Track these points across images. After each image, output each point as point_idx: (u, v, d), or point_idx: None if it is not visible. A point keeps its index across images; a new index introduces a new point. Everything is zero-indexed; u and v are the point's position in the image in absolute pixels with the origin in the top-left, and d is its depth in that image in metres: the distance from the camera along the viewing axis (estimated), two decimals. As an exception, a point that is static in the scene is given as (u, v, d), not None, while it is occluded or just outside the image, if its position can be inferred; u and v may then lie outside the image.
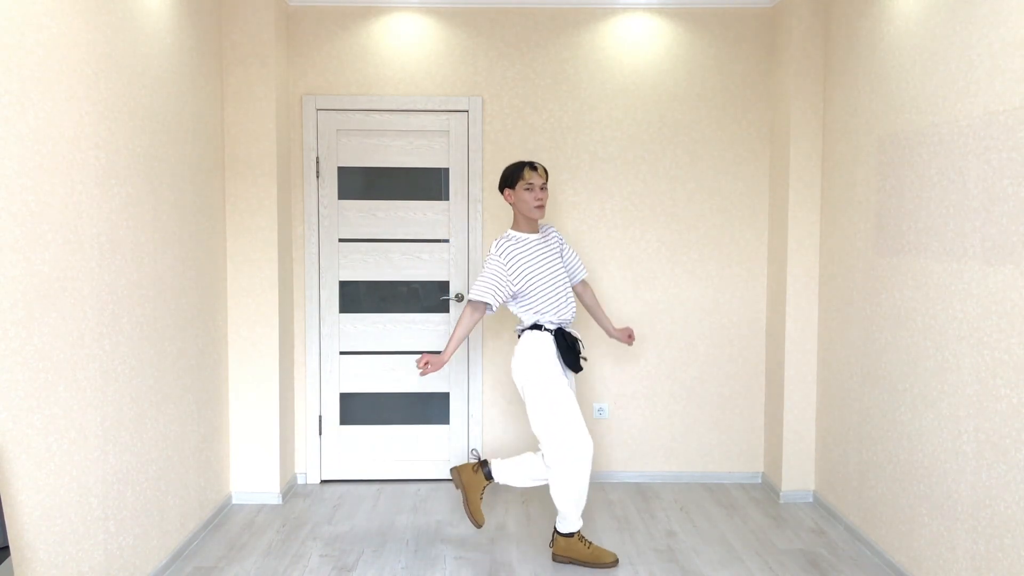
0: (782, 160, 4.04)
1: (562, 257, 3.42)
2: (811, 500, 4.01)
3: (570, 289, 3.35)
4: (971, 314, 2.66)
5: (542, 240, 3.34)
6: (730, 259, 4.28)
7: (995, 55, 2.53)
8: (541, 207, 3.27)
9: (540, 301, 3.25)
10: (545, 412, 3.21)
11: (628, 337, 3.59)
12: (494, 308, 3.25)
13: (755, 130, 4.24)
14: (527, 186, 3.26)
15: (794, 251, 3.95)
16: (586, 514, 3.83)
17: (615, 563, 3.27)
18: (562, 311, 3.27)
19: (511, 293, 3.25)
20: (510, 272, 3.23)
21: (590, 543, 3.30)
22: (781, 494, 4.02)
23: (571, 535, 3.29)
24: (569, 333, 3.32)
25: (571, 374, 3.35)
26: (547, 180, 3.35)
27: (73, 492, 2.49)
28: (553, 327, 3.27)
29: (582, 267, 3.51)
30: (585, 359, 3.45)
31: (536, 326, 3.28)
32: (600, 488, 4.22)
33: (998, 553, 2.53)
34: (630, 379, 4.30)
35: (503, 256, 3.24)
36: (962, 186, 2.70)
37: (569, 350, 3.26)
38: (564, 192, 4.24)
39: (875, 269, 3.34)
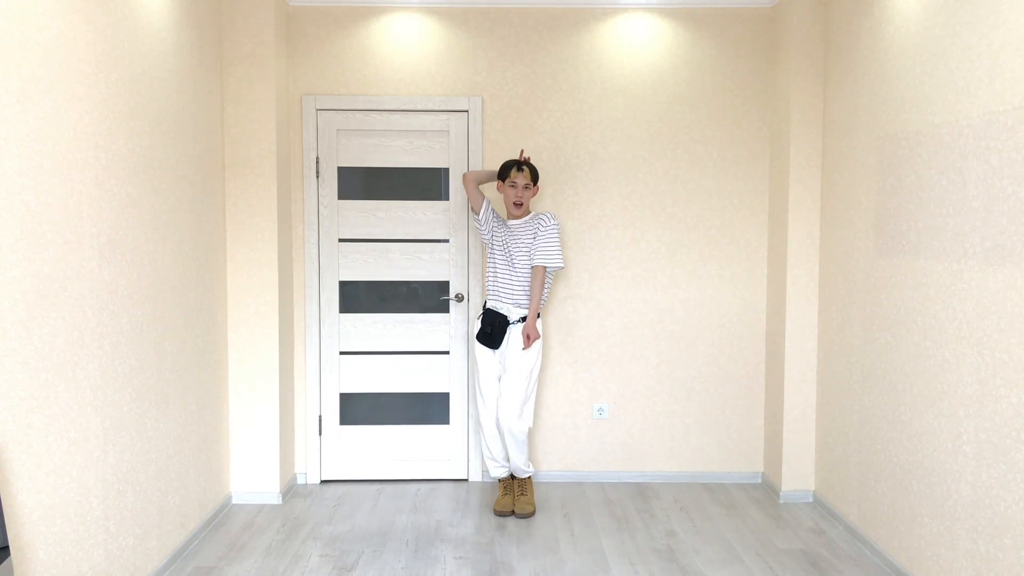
0: (782, 160, 4.04)
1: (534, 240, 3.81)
2: (811, 500, 4.01)
3: (519, 280, 3.78)
4: (971, 314, 2.66)
5: (521, 226, 3.83)
6: (730, 259, 4.28)
7: (995, 55, 2.53)
8: (518, 204, 3.80)
9: (487, 276, 3.90)
10: (473, 373, 4.04)
11: (525, 338, 3.79)
12: (481, 207, 3.86)
13: (755, 130, 4.24)
14: (512, 183, 3.80)
15: (794, 251, 3.95)
16: (586, 514, 3.83)
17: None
18: (499, 294, 3.81)
19: (489, 228, 3.89)
20: (492, 220, 3.88)
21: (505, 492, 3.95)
22: (781, 494, 4.02)
23: (499, 481, 3.97)
24: (496, 315, 3.79)
25: (508, 349, 3.80)
26: (535, 179, 3.84)
27: (73, 492, 2.49)
28: (489, 304, 3.86)
29: (540, 256, 3.77)
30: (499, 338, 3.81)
31: (485, 302, 3.93)
32: (600, 488, 4.22)
33: (998, 553, 2.53)
34: (630, 379, 4.30)
35: (489, 207, 3.91)
36: (962, 186, 2.70)
37: (482, 331, 3.82)
38: (564, 192, 4.24)
39: (875, 269, 3.34)
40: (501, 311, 3.81)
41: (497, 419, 3.81)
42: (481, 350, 3.86)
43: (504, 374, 3.82)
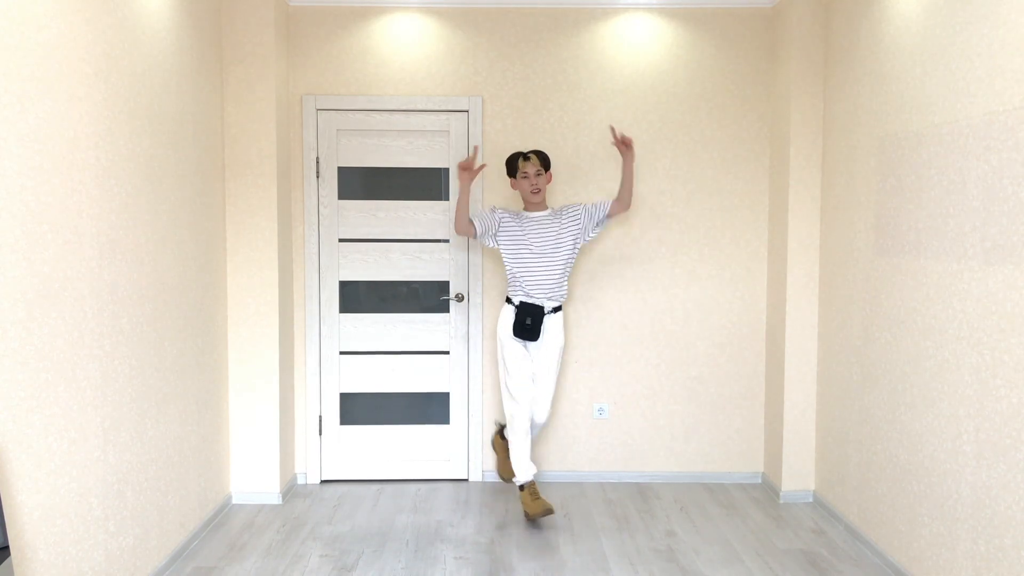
0: (782, 160, 4.04)
1: (581, 225, 3.73)
2: (811, 500, 4.01)
3: (553, 273, 3.70)
4: (971, 314, 2.66)
5: (547, 219, 3.74)
6: (730, 259, 4.28)
7: (995, 55, 2.53)
8: (536, 192, 3.71)
9: (510, 274, 3.74)
10: (500, 373, 3.81)
11: (623, 144, 3.69)
12: (476, 232, 3.70)
13: (755, 130, 4.24)
14: (523, 175, 3.72)
15: (794, 251, 3.95)
16: (586, 514, 3.83)
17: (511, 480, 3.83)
18: (529, 290, 3.70)
19: (492, 235, 3.74)
20: (498, 225, 3.73)
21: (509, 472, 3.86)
22: (781, 494, 4.02)
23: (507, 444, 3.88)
24: (533, 307, 3.68)
25: (542, 343, 3.75)
26: (547, 164, 3.75)
27: (73, 492, 2.49)
28: (517, 301, 3.73)
29: (606, 202, 3.75)
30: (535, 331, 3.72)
31: (508, 299, 3.77)
32: (600, 488, 4.22)
33: (998, 553, 2.53)
34: (630, 379, 4.30)
35: (494, 211, 3.76)
36: (962, 186, 2.70)
37: (521, 324, 3.68)
38: (564, 192, 4.24)
39: (875, 269, 3.34)
40: (536, 303, 3.69)
41: (533, 418, 3.80)
42: (512, 348, 3.71)
43: (538, 372, 3.77)
